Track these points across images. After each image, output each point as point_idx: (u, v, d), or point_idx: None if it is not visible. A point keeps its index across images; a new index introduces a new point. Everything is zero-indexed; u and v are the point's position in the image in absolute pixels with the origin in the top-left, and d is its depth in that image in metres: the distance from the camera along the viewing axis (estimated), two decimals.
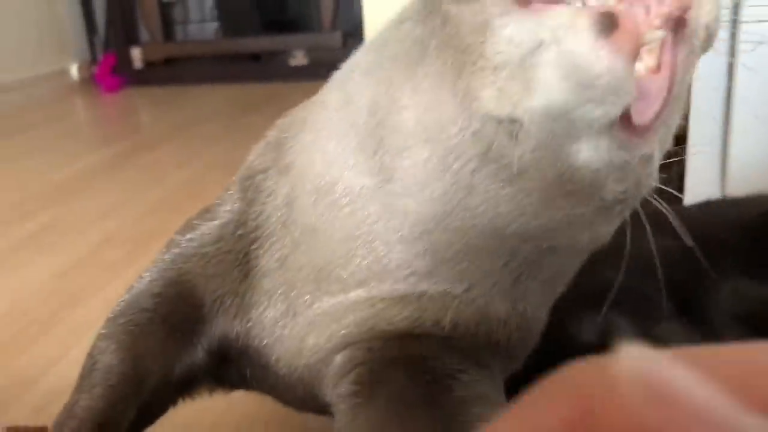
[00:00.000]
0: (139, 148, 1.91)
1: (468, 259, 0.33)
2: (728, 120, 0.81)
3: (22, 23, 2.66)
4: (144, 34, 2.99)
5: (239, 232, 0.41)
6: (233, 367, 0.42)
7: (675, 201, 0.39)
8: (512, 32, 0.27)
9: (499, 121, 0.28)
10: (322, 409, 0.40)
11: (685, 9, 0.27)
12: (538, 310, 0.38)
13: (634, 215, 0.34)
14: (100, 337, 0.41)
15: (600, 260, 0.37)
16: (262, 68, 2.96)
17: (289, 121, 0.42)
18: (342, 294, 0.36)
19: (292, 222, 0.38)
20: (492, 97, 0.28)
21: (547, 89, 0.27)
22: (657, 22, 0.27)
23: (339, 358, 0.36)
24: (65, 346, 0.83)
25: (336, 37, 2.85)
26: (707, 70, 0.78)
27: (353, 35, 2.69)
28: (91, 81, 2.93)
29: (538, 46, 0.26)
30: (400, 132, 0.32)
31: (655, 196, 0.34)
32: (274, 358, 0.39)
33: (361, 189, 0.34)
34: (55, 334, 0.85)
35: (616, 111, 0.27)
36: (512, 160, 0.29)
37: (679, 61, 0.28)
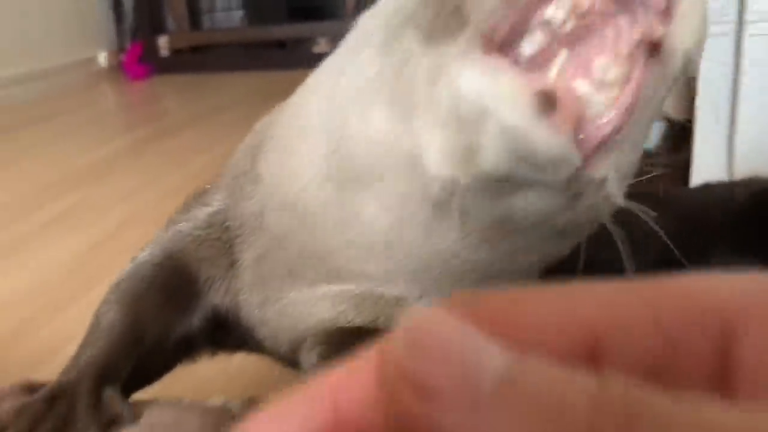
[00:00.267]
0: (163, 134, 1.95)
1: (421, 272, 0.35)
2: (735, 107, 0.81)
3: (51, 12, 2.72)
4: (171, 23, 3.04)
5: (226, 223, 0.43)
6: (230, 334, 0.45)
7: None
8: (463, 93, 0.27)
9: (442, 179, 0.29)
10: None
11: (658, 35, 0.27)
12: None
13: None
14: (105, 300, 0.44)
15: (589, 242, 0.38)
16: (287, 55, 2.99)
17: (263, 128, 0.44)
18: (309, 290, 0.38)
19: (265, 228, 0.40)
20: (437, 155, 0.29)
21: (489, 157, 0.27)
22: (625, 50, 0.27)
23: (309, 339, 0.39)
24: (85, 321, 0.86)
25: None
26: (714, 54, 0.78)
27: None
28: (118, 69, 2.99)
29: (483, 113, 0.26)
30: (355, 161, 0.33)
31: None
32: (260, 335, 0.42)
33: (322, 204, 0.36)
34: (77, 309, 0.89)
35: (559, 178, 0.27)
36: (453, 208, 0.30)
37: (646, 82, 0.28)
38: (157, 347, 0.42)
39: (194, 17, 3.09)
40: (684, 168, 0.87)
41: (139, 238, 1.14)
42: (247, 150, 0.44)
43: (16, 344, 0.82)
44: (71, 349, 0.84)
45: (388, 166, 0.32)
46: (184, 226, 0.45)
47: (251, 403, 0.38)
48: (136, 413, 0.37)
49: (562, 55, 0.27)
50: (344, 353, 0.36)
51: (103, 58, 3.00)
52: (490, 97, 0.26)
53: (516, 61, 0.27)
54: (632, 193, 0.34)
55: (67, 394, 0.38)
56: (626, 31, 0.27)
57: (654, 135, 1.24)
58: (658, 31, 0.27)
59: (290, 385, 0.20)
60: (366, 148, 0.32)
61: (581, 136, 0.27)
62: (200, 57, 3.02)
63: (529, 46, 0.27)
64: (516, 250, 0.33)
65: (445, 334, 0.14)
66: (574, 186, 0.28)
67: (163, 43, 2.96)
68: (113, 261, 1.06)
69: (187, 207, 0.46)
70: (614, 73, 0.27)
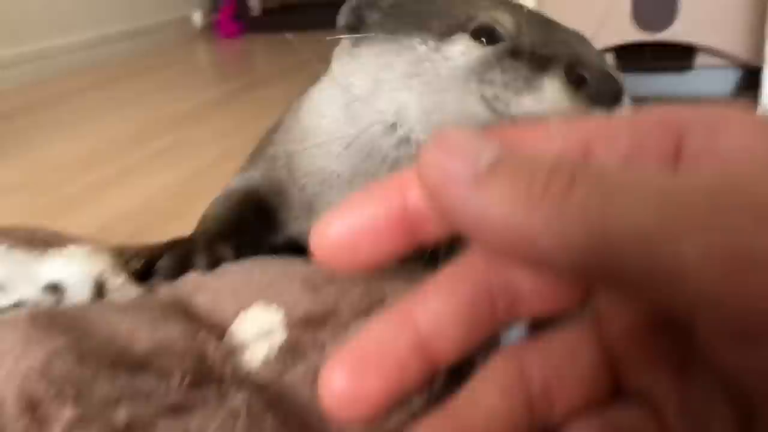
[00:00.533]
0: (253, 85, 2.05)
1: None
2: None
3: None
4: None
5: (286, 167, 0.48)
6: None
7: None
8: None
9: None
10: None
11: None
12: None
13: None
14: (209, 207, 0.50)
15: None
16: None
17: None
18: None
19: (302, 200, 0.46)
20: None
21: None
22: None
23: None
24: (188, 231, 0.95)
25: None
26: None
27: None
28: (212, 27, 3.11)
29: None
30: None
31: None
32: None
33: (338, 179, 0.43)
34: (181, 222, 0.97)
35: None
36: None
37: None
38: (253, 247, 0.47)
39: None
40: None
41: (233, 170, 1.23)
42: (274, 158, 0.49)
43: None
44: None
45: None
46: (250, 172, 0.51)
47: None
48: None
49: None
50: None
51: (197, 17, 3.12)
52: None
53: None
54: None
55: (185, 243, 0.44)
56: None
57: (730, 80, 1.23)
58: None
59: None
60: None
61: None
62: (290, 16, 3.10)
63: None
64: None
65: (458, 138, 0.20)
66: None
67: (254, 2, 3.06)
68: (216, 184, 1.16)
69: (253, 153, 0.52)
70: None
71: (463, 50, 0.40)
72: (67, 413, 0.24)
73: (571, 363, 0.22)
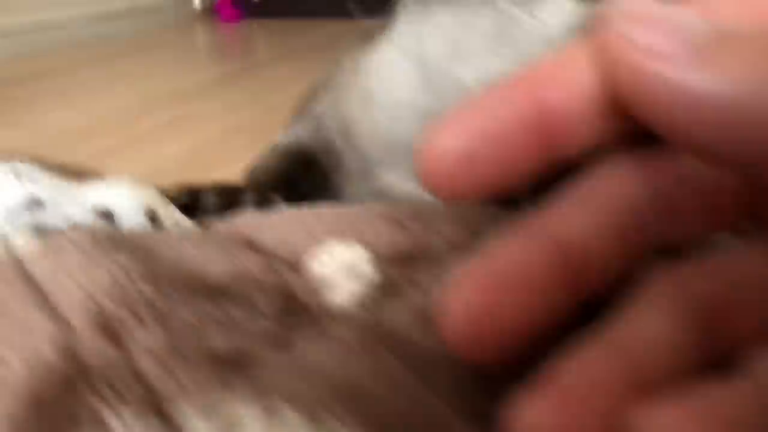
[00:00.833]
0: (253, 68, 2.01)
1: None
2: None
3: None
4: None
5: (329, 125, 0.44)
6: None
7: None
8: None
9: None
10: None
11: None
12: None
13: None
14: (255, 161, 0.46)
15: None
16: (381, 5, 2.99)
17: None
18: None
19: (361, 165, 0.43)
20: None
21: None
22: None
23: None
24: None
25: None
26: None
27: None
28: (212, 11, 3.05)
29: None
30: None
31: None
32: None
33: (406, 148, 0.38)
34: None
35: None
36: None
37: None
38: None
39: None
40: None
41: (246, 142, 1.19)
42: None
43: None
44: None
45: None
46: (297, 129, 0.47)
47: None
48: None
49: None
50: None
51: (197, 0, 3.07)
52: None
53: None
54: None
55: (232, 185, 0.40)
56: None
57: None
58: None
59: None
60: None
61: None
62: (291, 3, 3.05)
63: None
64: None
65: (653, 10, 0.16)
66: None
67: None
68: (226, 155, 1.11)
69: (298, 111, 0.48)
70: None
71: (557, 8, 0.34)
72: (153, 338, 0.20)
73: (750, 285, 0.18)
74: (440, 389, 0.21)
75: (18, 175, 0.29)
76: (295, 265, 0.28)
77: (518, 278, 0.18)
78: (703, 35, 0.15)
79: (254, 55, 2.35)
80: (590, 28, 0.18)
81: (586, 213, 0.19)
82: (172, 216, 0.32)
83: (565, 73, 0.18)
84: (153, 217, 0.31)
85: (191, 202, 0.36)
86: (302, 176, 0.43)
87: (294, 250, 0.29)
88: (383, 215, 0.31)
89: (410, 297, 0.27)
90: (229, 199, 0.36)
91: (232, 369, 0.19)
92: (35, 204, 0.27)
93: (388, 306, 0.26)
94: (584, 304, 0.20)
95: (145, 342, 0.20)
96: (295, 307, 0.24)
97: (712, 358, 0.17)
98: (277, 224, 0.32)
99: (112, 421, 0.17)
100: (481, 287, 0.18)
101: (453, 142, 0.18)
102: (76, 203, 0.29)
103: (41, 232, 0.26)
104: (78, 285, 0.22)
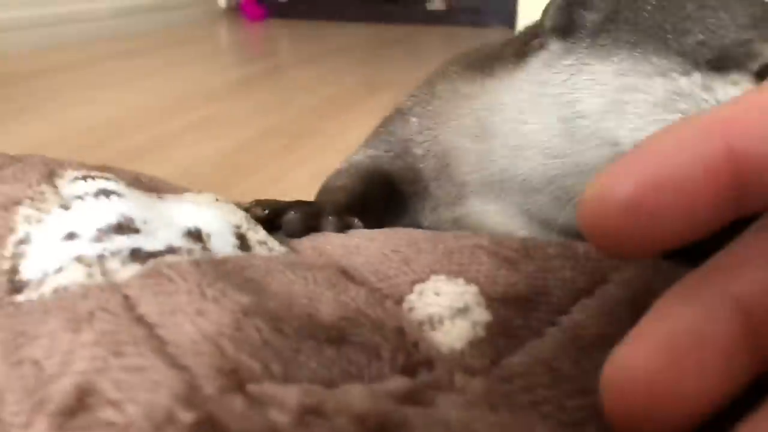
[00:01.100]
0: (278, 69, 1.99)
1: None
2: None
3: None
4: None
5: (413, 150, 0.42)
6: None
7: None
8: None
9: None
10: None
11: None
12: None
13: None
14: (330, 178, 0.43)
15: None
16: (400, 11, 2.98)
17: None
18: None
19: (452, 193, 0.41)
20: None
21: None
22: None
23: None
24: None
25: None
26: None
27: None
28: (236, 9, 3.04)
29: None
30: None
31: None
32: None
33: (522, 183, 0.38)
34: (228, 197, 0.91)
35: None
36: None
37: None
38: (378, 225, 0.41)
39: None
40: None
41: (280, 146, 1.17)
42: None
43: None
44: None
45: None
46: (376, 151, 0.44)
47: None
48: None
49: None
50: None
51: None
52: None
53: None
54: None
55: (311, 203, 0.38)
56: None
57: None
58: None
59: None
60: None
61: None
62: (316, 5, 3.04)
63: None
64: None
65: None
66: None
67: None
68: (258, 160, 1.09)
69: (377, 132, 0.46)
70: None
71: (738, 91, 0.31)
72: (284, 392, 0.18)
73: None
74: None
75: (107, 194, 0.26)
76: (399, 301, 0.26)
77: (699, 341, 0.16)
78: None
79: (280, 55, 2.34)
80: None
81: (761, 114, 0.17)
82: (260, 237, 0.30)
83: (759, 115, 0.16)
84: (242, 240, 0.29)
85: (273, 218, 0.34)
86: (379, 199, 0.41)
87: (394, 286, 0.27)
88: (488, 250, 0.29)
89: (528, 343, 0.25)
90: (310, 220, 0.34)
91: None
92: (128, 226, 0.25)
93: (507, 353, 0.24)
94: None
95: (277, 396, 0.17)
96: (417, 357, 0.22)
97: None
98: (371, 253, 0.29)
99: None
100: (659, 350, 0.16)
101: (623, 189, 0.16)
102: (168, 225, 0.26)
103: (139, 256, 0.23)
104: (193, 325, 0.19)
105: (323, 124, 1.31)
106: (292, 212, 0.34)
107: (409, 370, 0.21)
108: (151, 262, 0.23)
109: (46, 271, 0.23)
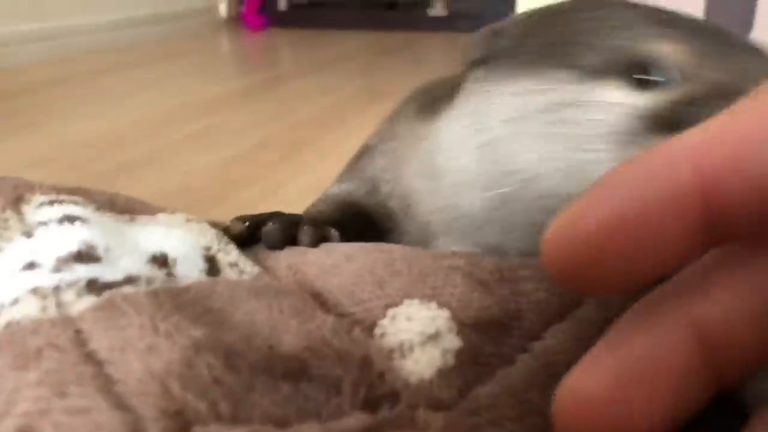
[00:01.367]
0: (280, 79, 1.99)
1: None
2: None
3: None
4: None
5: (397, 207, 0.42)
6: None
7: None
8: None
9: None
10: None
11: None
12: None
13: None
14: (309, 208, 0.43)
15: None
16: (401, 17, 2.98)
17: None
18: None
19: (421, 232, 0.40)
20: None
21: None
22: None
23: None
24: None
25: None
26: None
27: None
28: (237, 19, 3.05)
29: None
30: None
31: None
32: None
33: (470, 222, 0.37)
34: (224, 209, 0.90)
35: None
36: None
37: None
38: None
39: None
40: None
41: (276, 158, 1.16)
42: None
43: None
44: None
45: None
46: (350, 186, 0.44)
47: None
48: None
49: None
50: None
51: (223, 8, 3.07)
52: None
53: None
54: None
55: (293, 217, 0.38)
56: None
57: None
58: None
59: None
60: None
61: None
62: (316, 13, 3.05)
63: None
64: None
65: None
66: None
67: None
68: (256, 172, 1.09)
69: (350, 167, 0.45)
70: None
71: (615, 100, 0.31)
72: None
73: None
74: None
75: (72, 220, 0.26)
76: (370, 328, 0.26)
77: (653, 366, 0.16)
78: None
79: (280, 66, 2.34)
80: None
81: (733, 296, 0.16)
82: (233, 262, 0.29)
83: (731, 144, 0.15)
84: (212, 263, 0.28)
85: (254, 231, 0.34)
86: (356, 229, 0.41)
87: (368, 308, 0.27)
88: (463, 271, 0.28)
89: (499, 371, 0.24)
90: (288, 230, 0.34)
91: None
92: (89, 254, 0.24)
93: (474, 380, 0.23)
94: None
95: None
96: (381, 390, 0.22)
97: None
98: (346, 275, 0.29)
99: None
100: (611, 375, 0.16)
101: (586, 227, 0.15)
102: (132, 251, 0.26)
103: (95, 287, 0.23)
104: (142, 363, 0.19)
105: (323, 133, 1.31)
106: (271, 223, 0.34)
107: (371, 404, 0.21)
108: (106, 294, 0.22)
109: (1, 303, 0.22)
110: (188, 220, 0.32)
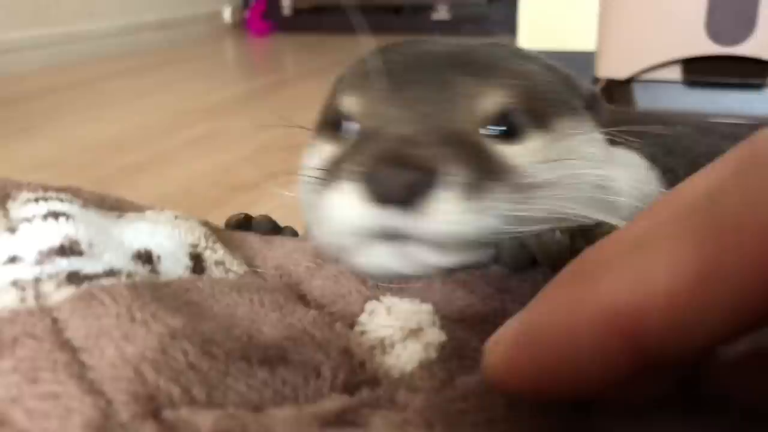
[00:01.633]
0: (283, 83, 1.99)
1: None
2: None
3: None
4: None
5: None
6: None
7: None
8: None
9: None
10: None
11: None
12: None
13: None
14: None
15: None
16: (405, 21, 2.98)
17: None
18: None
19: None
20: None
21: None
22: None
23: None
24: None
25: None
26: None
27: None
28: (241, 25, 3.06)
29: None
30: None
31: None
32: None
33: None
34: (225, 212, 0.91)
35: None
36: None
37: None
38: None
39: None
40: None
41: (277, 161, 1.17)
42: None
43: None
44: None
45: None
46: None
47: None
48: None
49: None
50: None
51: (227, 14, 3.08)
52: None
53: None
54: None
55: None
56: None
57: None
58: None
59: None
60: None
61: None
62: (320, 18, 3.06)
63: None
64: None
65: None
66: None
67: (286, 2, 3.01)
68: (254, 178, 1.09)
69: None
70: None
71: (312, 156, 0.35)
72: (203, 418, 0.17)
73: None
74: None
75: (56, 216, 0.26)
76: (351, 322, 0.26)
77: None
78: None
79: (284, 70, 2.35)
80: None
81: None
82: (219, 260, 0.29)
83: (664, 306, 0.15)
84: (198, 261, 0.28)
85: (247, 222, 0.35)
86: None
87: (349, 303, 0.27)
88: (442, 280, 0.28)
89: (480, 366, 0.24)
90: (275, 229, 0.35)
91: None
92: (71, 249, 0.24)
93: (458, 371, 0.23)
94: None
95: (191, 422, 0.17)
96: (362, 377, 0.22)
97: None
98: (331, 275, 0.29)
99: None
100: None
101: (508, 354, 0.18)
102: (116, 247, 0.26)
103: (75, 279, 0.23)
104: (117, 350, 0.19)
105: None
106: (261, 217, 0.37)
107: (350, 388, 0.21)
108: (85, 284, 0.22)
109: None
110: (176, 218, 0.32)
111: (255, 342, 0.22)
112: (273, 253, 0.33)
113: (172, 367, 0.19)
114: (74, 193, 0.33)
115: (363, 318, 0.26)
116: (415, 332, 0.25)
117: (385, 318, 0.26)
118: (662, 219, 0.15)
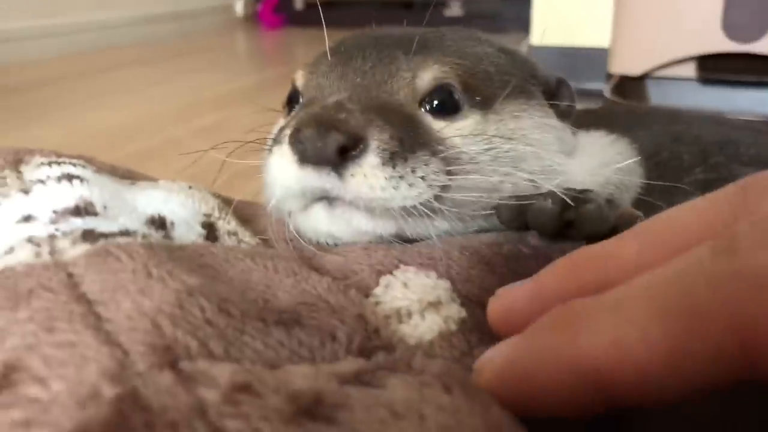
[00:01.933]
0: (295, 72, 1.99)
1: None
2: None
3: None
4: None
5: None
6: None
7: None
8: None
9: None
10: None
11: None
12: None
13: None
14: None
15: None
16: (417, 17, 2.97)
17: None
18: None
19: None
20: None
21: None
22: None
23: None
24: None
25: None
26: None
27: None
28: (253, 18, 3.06)
29: None
30: None
31: None
32: None
33: None
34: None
35: None
36: None
37: None
38: None
39: None
40: None
41: None
42: None
43: None
44: None
45: None
46: None
47: None
48: None
49: None
50: None
51: (240, 6, 3.08)
52: None
53: None
54: None
55: None
56: None
57: None
58: None
59: None
60: None
61: None
62: (333, 12, 3.05)
63: None
64: None
65: None
66: None
67: None
68: (259, 169, 1.09)
69: None
70: None
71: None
72: (220, 371, 0.17)
73: None
74: None
75: (70, 178, 0.26)
76: (367, 292, 0.25)
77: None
78: None
79: (295, 62, 2.35)
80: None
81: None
82: (230, 227, 0.29)
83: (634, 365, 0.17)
84: (211, 230, 0.28)
85: None
86: None
87: (363, 278, 0.26)
88: (466, 247, 0.28)
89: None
90: None
91: (312, 417, 0.16)
92: (86, 209, 0.24)
93: (479, 343, 0.23)
94: None
95: (208, 373, 0.17)
96: (377, 342, 0.21)
97: None
98: (347, 249, 0.29)
99: None
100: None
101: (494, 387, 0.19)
102: (130, 211, 0.26)
103: (90, 236, 0.23)
104: (133, 303, 0.19)
105: None
106: None
107: (366, 353, 0.21)
108: (101, 242, 0.22)
109: None
110: (190, 188, 0.32)
111: (270, 306, 0.21)
112: (284, 228, 0.32)
113: (189, 321, 0.18)
114: (87, 161, 0.33)
115: (378, 290, 0.26)
116: (434, 305, 0.25)
117: (402, 290, 0.25)
118: (635, 290, 0.17)
